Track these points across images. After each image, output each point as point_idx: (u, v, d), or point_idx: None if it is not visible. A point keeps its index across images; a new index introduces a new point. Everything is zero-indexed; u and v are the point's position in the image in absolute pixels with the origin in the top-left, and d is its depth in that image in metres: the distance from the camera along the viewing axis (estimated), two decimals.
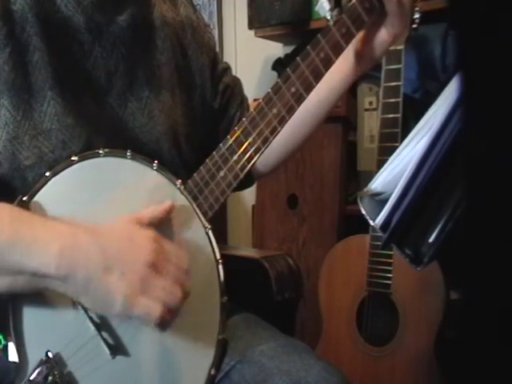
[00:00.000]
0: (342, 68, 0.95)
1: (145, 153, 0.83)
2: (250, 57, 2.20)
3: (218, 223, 2.03)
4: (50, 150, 0.80)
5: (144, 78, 0.90)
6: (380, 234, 0.74)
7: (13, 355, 0.74)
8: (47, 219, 0.75)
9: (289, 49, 2.09)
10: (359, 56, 0.93)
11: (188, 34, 1.00)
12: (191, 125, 0.97)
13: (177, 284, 0.73)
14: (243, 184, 0.90)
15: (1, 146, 0.79)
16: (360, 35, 0.90)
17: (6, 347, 0.74)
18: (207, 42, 1.04)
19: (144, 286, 0.70)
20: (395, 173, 0.73)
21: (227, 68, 1.09)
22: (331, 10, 0.84)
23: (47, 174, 0.78)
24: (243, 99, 1.10)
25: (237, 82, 1.10)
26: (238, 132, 0.86)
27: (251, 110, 0.87)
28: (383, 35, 0.89)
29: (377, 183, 0.76)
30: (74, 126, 0.82)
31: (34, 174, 0.79)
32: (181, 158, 0.93)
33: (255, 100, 1.10)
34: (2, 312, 0.75)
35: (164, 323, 0.72)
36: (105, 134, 0.84)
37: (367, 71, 1.00)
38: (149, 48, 0.93)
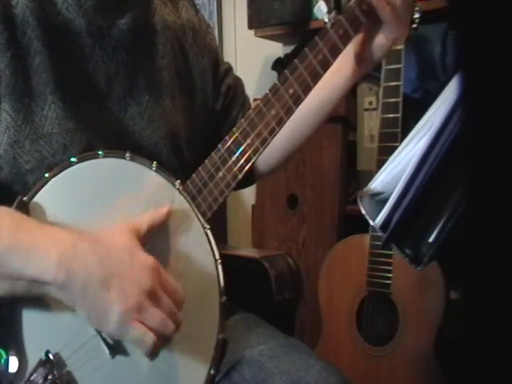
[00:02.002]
0: (342, 69, 0.94)
1: (144, 157, 0.83)
2: (249, 56, 2.20)
3: (218, 223, 2.03)
4: (51, 154, 0.80)
5: (144, 83, 0.90)
6: (380, 233, 0.74)
7: (13, 366, 0.74)
8: (46, 225, 0.74)
9: (289, 49, 2.09)
10: (359, 59, 0.93)
11: (189, 38, 1.00)
12: (193, 128, 0.97)
13: (170, 316, 0.72)
14: (244, 182, 0.90)
15: (2, 150, 0.79)
16: (359, 39, 0.90)
17: (6, 361, 0.74)
18: (208, 44, 1.04)
19: (140, 312, 0.70)
20: (395, 173, 0.73)
21: (229, 69, 1.09)
22: (329, 12, 0.84)
23: (47, 175, 0.78)
24: (245, 100, 1.10)
25: (238, 83, 1.10)
26: (237, 133, 0.86)
27: (250, 110, 0.87)
28: (382, 39, 0.89)
29: (376, 183, 0.76)
30: (74, 130, 0.82)
31: (35, 178, 0.79)
32: (180, 162, 0.93)
33: (255, 100, 1.10)
34: (1, 314, 0.75)
35: (155, 352, 0.72)
36: (105, 137, 0.84)
37: (368, 72, 1.00)
38: (149, 52, 0.93)
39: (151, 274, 0.71)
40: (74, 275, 0.69)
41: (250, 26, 1.96)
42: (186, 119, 0.96)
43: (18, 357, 0.75)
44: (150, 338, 0.70)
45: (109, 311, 0.69)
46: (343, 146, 1.84)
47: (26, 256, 0.69)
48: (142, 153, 0.86)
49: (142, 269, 0.71)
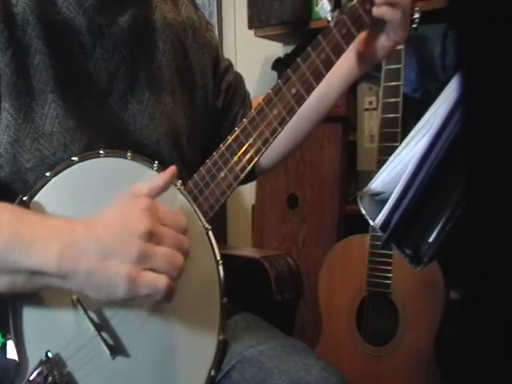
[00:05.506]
0: (342, 68, 0.95)
1: (145, 154, 0.83)
2: (249, 56, 2.20)
3: (218, 223, 2.03)
4: (51, 153, 0.80)
5: (145, 80, 0.90)
6: (380, 233, 0.74)
7: (11, 353, 0.74)
8: (45, 217, 0.74)
9: (289, 48, 2.09)
10: (360, 58, 0.94)
11: (189, 35, 1.00)
12: (193, 126, 0.97)
13: (176, 247, 0.71)
14: (245, 179, 0.90)
15: (2, 149, 0.79)
16: (361, 38, 0.91)
17: (4, 345, 0.74)
18: (209, 42, 1.04)
19: (144, 259, 0.69)
20: (395, 173, 0.73)
21: (229, 65, 1.09)
22: (332, 11, 0.84)
23: (47, 174, 0.77)
24: (245, 96, 1.10)
25: (239, 79, 1.11)
26: (238, 132, 0.86)
27: (252, 109, 0.87)
28: (384, 41, 0.90)
29: (377, 183, 0.76)
30: (75, 128, 0.82)
31: (35, 177, 0.79)
32: (182, 160, 0.93)
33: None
34: (1, 311, 0.75)
35: (170, 292, 0.71)
36: (106, 136, 0.84)
37: (367, 71, 1.00)
38: (150, 49, 0.93)
39: (146, 215, 0.70)
40: (76, 264, 0.69)
41: (250, 26, 1.96)
42: (187, 116, 0.96)
43: (15, 344, 0.74)
44: (162, 282, 0.69)
45: (115, 278, 0.69)
46: (343, 145, 1.84)
47: (27, 249, 0.69)
48: (144, 150, 0.86)
49: (134, 216, 0.71)
